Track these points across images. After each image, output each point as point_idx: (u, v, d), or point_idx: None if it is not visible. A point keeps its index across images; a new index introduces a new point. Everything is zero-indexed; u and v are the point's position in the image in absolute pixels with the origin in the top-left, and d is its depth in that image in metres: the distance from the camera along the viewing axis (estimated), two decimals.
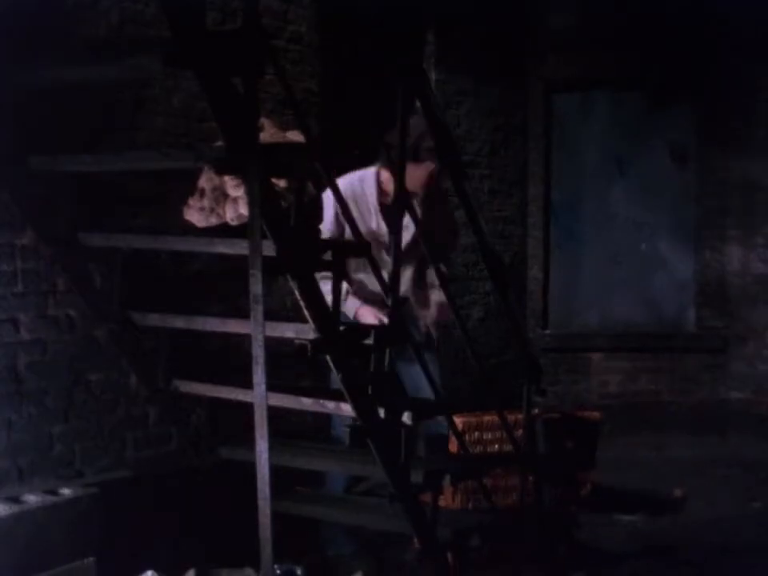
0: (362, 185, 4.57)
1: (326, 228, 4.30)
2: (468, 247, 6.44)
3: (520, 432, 4.57)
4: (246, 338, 3.54)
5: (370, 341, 3.75)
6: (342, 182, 4.25)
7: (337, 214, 4.32)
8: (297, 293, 3.48)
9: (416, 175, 4.41)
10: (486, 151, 7.40)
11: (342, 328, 3.71)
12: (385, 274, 3.92)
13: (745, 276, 8.15)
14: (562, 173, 8.17)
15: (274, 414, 3.46)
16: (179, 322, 4.06)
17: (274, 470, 3.41)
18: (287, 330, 3.75)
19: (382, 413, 3.82)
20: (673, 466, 6.78)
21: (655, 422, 7.78)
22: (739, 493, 6.13)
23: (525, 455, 4.57)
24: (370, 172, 4.62)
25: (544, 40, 7.95)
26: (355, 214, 4.14)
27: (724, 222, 8.15)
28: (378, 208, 4.58)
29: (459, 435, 4.56)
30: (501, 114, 7.60)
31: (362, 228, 4.09)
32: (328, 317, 3.59)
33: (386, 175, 4.52)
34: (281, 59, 4.00)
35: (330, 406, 3.99)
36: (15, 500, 3.76)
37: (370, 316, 4.40)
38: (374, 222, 4.56)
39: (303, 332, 3.63)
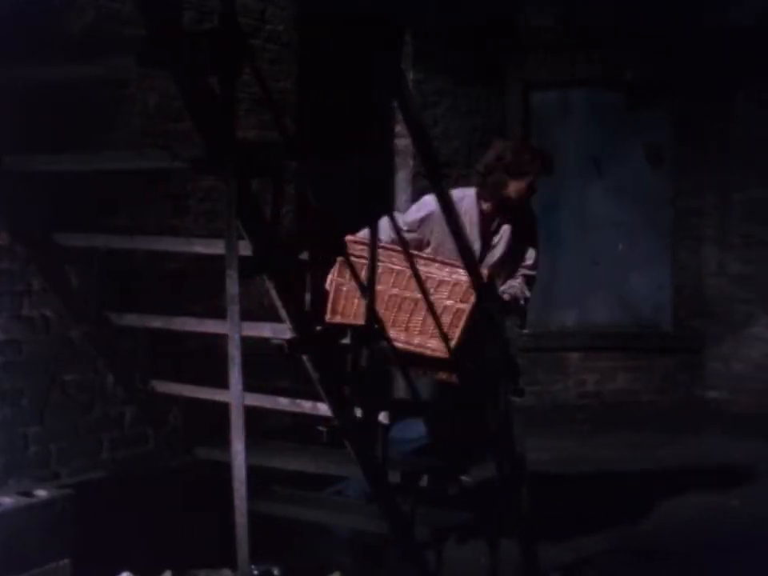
0: (461, 202, 4.66)
1: (406, 221, 4.62)
2: None
3: None
4: (223, 338, 3.53)
5: (346, 340, 3.76)
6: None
7: (424, 219, 4.64)
8: (273, 293, 3.48)
9: (519, 187, 4.73)
10: (464, 151, 7.40)
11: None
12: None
13: (721, 276, 8.19)
14: None
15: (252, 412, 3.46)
16: (157, 322, 4.05)
17: (251, 470, 3.41)
18: (264, 330, 3.75)
19: (359, 412, 3.83)
20: (650, 464, 6.80)
21: (633, 421, 7.80)
22: (717, 491, 6.15)
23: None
24: (470, 192, 4.82)
25: (522, 40, 7.95)
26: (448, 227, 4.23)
27: (700, 222, 8.20)
28: (478, 227, 4.77)
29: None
30: (478, 114, 7.60)
31: (451, 243, 4.20)
32: (305, 316, 3.58)
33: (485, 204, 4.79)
34: (258, 59, 3.99)
35: (306, 405, 3.98)
36: None
37: None
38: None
39: (280, 332, 3.62)
